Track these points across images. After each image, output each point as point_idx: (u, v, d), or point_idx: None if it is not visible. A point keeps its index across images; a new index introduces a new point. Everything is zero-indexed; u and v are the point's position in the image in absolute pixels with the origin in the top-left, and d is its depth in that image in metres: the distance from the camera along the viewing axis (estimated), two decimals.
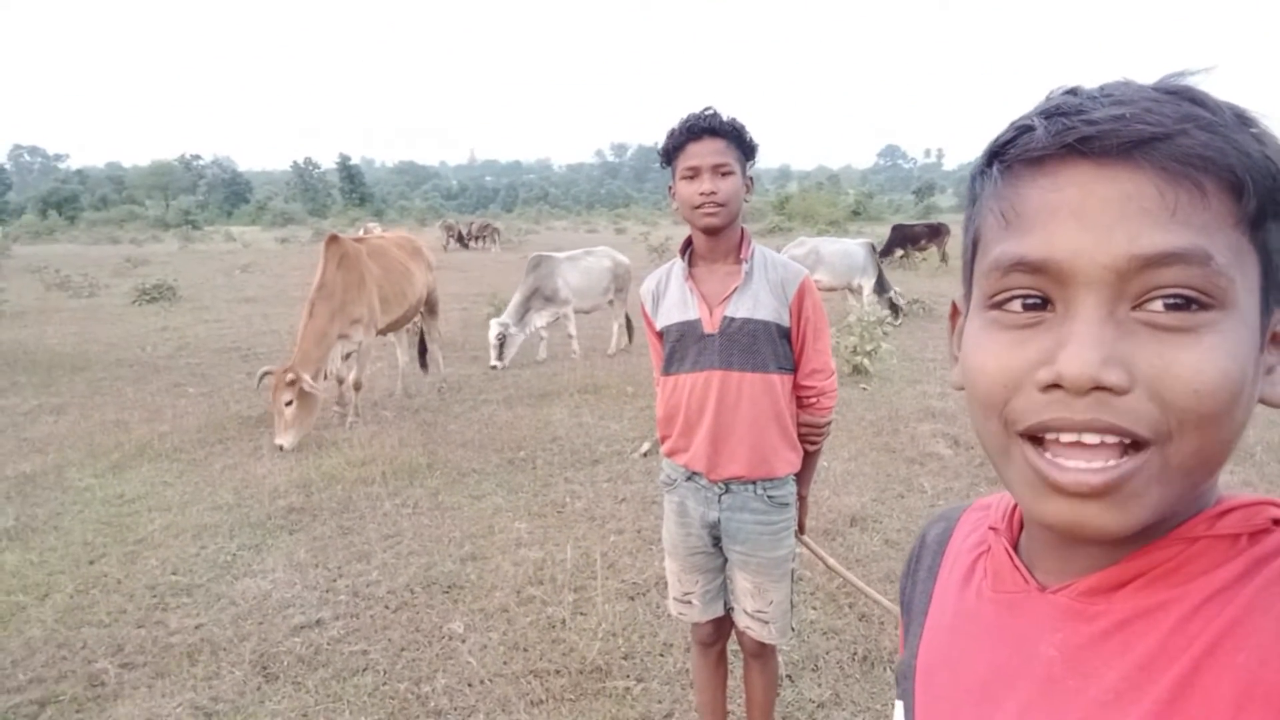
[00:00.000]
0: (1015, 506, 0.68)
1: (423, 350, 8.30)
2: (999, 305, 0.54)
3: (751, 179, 2.14)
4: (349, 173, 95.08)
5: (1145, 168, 0.48)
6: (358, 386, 6.87)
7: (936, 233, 19.10)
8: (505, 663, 3.16)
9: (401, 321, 7.51)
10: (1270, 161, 0.49)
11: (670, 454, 2.26)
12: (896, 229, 19.38)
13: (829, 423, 2.24)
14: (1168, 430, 0.48)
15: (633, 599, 3.64)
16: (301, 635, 3.42)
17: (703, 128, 2.04)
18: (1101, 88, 0.52)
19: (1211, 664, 0.47)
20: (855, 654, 3.16)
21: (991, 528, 0.69)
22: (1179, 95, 0.50)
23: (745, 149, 2.09)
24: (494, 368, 8.43)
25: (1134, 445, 0.49)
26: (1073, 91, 0.53)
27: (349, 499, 4.98)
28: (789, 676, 3.00)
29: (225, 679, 3.10)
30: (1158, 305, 0.48)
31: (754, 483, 2.15)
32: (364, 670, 3.16)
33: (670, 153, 2.10)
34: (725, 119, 2.05)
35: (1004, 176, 0.55)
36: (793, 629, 2.31)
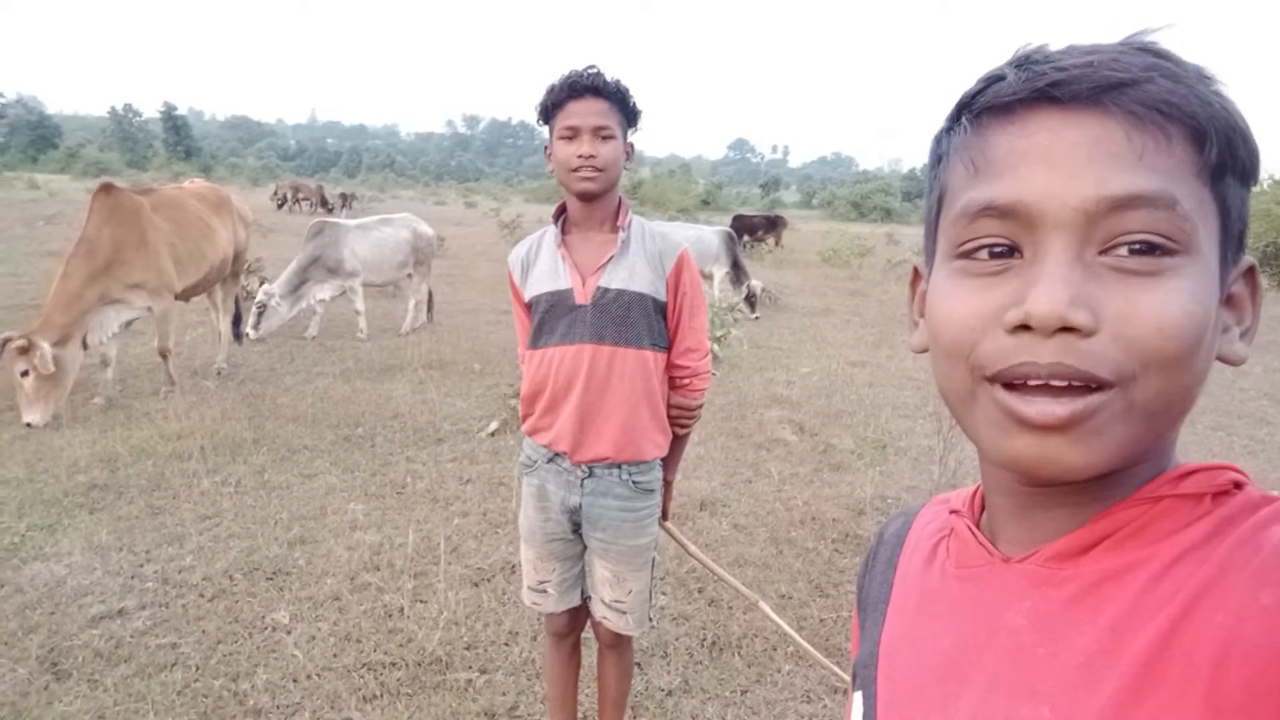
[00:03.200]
0: (976, 491, 0.68)
1: (237, 318, 7.45)
2: (966, 254, 0.54)
3: (632, 145, 2.03)
4: (174, 123, 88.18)
5: (1114, 112, 0.49)
6: (164, 355, 6.14)
7: (773, 224, 20.28)
8: (335, 655, 2.93)
9: (204, 285, 6.63)
10: (1230, 116, 0.50)
11: (532, 433, 2.11)
12: (737, 219, 20.15)
13: (700, 405, 2.16)
14: (1131, 372, 0.49)
15: (477, 585, 3.47)
16: (100, 627, 3.05)
17: (585, 86, 1.91)
18: (1068, 46, 0.53)
19: (1189, 624, 0.47)
20: (705, 640, 3.13)
21: (953, 511, 0.69)
22: (1145, 49, 0.51)
23: (628, 113, 1.97)
24: (245, 336, 7.54)
25: (1097, 387, 0.49)
26: (1040, 48, 0.54)
27: (161, 475, 4.53)
28: (638, 665, 2.93)
29: (5, 678, 2.71)
30: (1123, 251, 0.49)
31: (619, 466, 2.04)
32: (173, 665, 2.84)
33: (549, 110, 1.95)
34: (610, 79, 1.92)
35: (973, 126, 0.55)
36: (650, 619, 2.23)
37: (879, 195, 54.13)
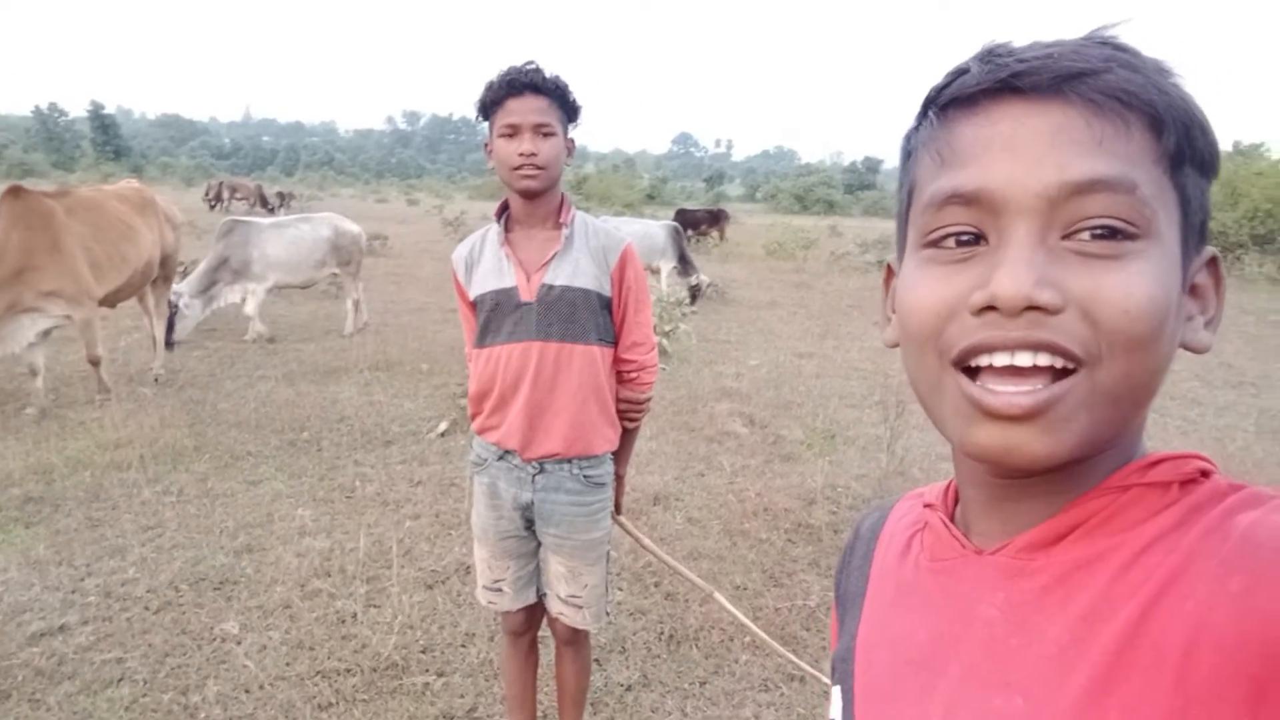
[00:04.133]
0: (949, 486, 0.69)
1: (170, 324, 7.13)
2: (934, 243, 0.56)
3: (573, 141, 2.02)
4: (102, 122, 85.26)
5: (1074, 101, 0.51)
6: (94, 362, 5.82)
7: (716, 218, 20.51)
8: (288, 664, 2.88)
9: (130, 289, 6.30)
10: (1188, 106, 0.52)
11: (481, 432, 2.11)
12: (680, 213, 20.26)
13: (648, 399, 2.17)
14: (1098, 352, 0.50)
15: (431, 588, 3.44)
16: (41, 644, 2.96)
17: (524, 83, 1.90)
18: (1032, 41, 0.55)
19: (1158, 612, 0.47)
20: (662, 633, 3.15)
21: (927, 504, 0.70)
22: (1105, 43, 0.53)
23: (568, 109, 1.97)
24: (165, 345, 7.07)
25: (1062, 373, 0.50)
26: (1004, 43, 0.55)
27: (99, 486, 4.40)
28: (596, 661, 2.94)
29: None
30: (1085, 235, 0.50)
31: (570, 461, 2.04)
32: (119, 681, 2.77)
33: (488, 107, 1.94)
34: (549, 76, 1.92)
35: (939, 120, 0.56)
36: (607, 613, 2.24)
37: (821, 188, 54.87)
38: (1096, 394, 0.50)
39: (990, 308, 0.51)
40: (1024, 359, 0.51)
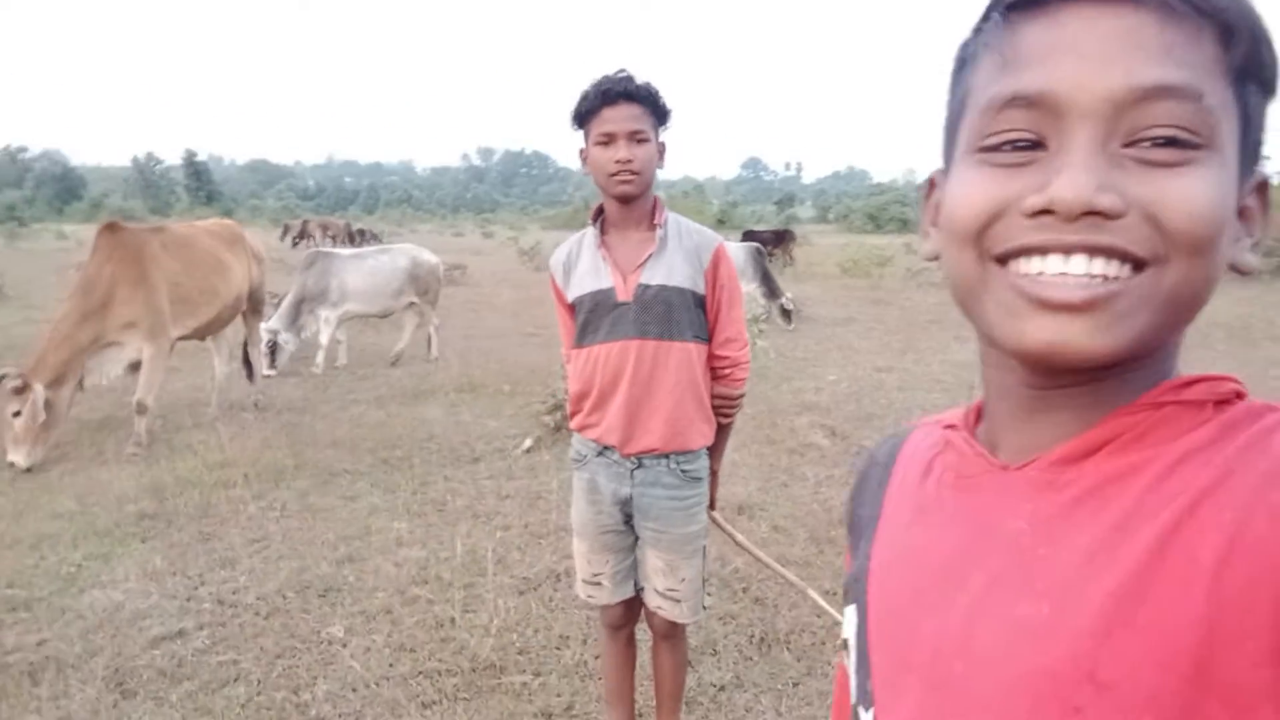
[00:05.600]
0: (971, 408, 0.68)
1: (248, 356, 7.16)
2: (990, 149, 0.54)
3: (664, 145, 2.10)
4: (195, 169, 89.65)
5: (1146, 5, 0.49)
6: (141, 409, 5.66)
7: (782, 238, 20.54)
8: (392, 665, 2.99)
9: (217, 324, 6.46)
10: (1257, 19, 0.51)
11: (581, 429, 2.18)
12: (747, 234, 20.27)
13: (742, 395, 2.21)
14: (1165, 253, 0.49)
15: (524, 594, 3.52)
16: (161, 647, 3.13)
17: (618, 92, 1.98)
18: None
19: (1194, 521, 0.47)
20: (753, 637, 3.16)
21: (948, 426, 0.68)
22: None
23: (660, 114, 2.04)
24: (266, 376, 7.36)
25: (1116, 278, 0.49)
26: None
27: (208, 503, 4.62)
28: (689, 661, 2.96)
29: (75, 697, 2.79)
30: (1147, 144, 0.49)
31: (668, 456, 2.10)
32: (235, 680, 2.91)
33: (583, 116, 2.03)
34: (640, 83, 2.00)
35: (1004, 21, 0.55)
36: (704, 607, 2.27)
37: (895, 206, 54.01)
38: (1159, 294, 0.50)
39: (1046, 211, 0.50)
40: (1079, 265, 0.50)
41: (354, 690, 2.84)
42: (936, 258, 0.62)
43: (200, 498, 4.71)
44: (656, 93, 2.02)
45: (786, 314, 10.93)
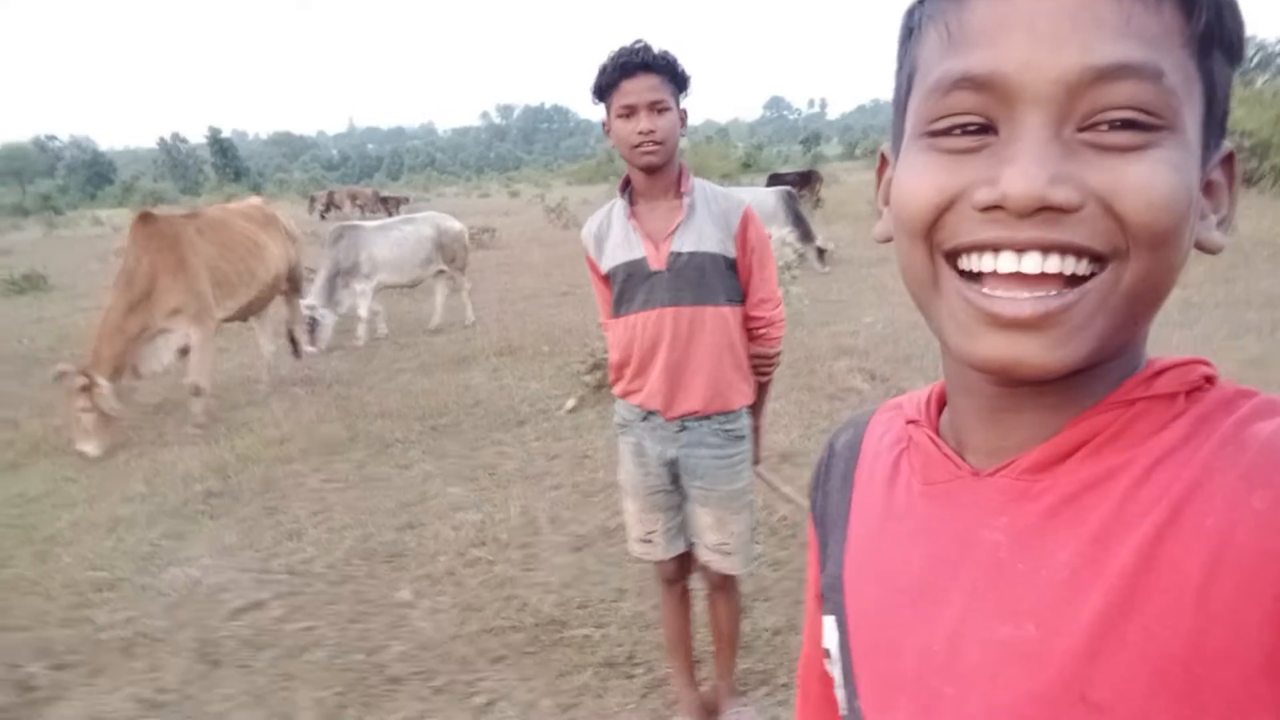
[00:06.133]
0: (930, 396, 0.65)
1: (293, 334, 7.41)
2: (938, 132, 0.50)
3: (685, 111, 2.13)
4: (221, 146, 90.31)
5: None
6: (196, 391, 5.87)
7: (808, 179, 20.01)
8: (460, 624, 3.14)
9: (257, 304, 6.63)
10: None
11: (624, 395, 2.26)
12: (772, 178, 19.96)
13: (779, 353, 2.28)
14: (1124, 246, 0.46)
15: (579, 550, 3.65)
16: (242, 618, 3.31)
17: (636, 64, 2.01)
18: None
19: (1176, 531, 0.45)
20: (803, 581, 3.25)
21: (909, 421, 0.65)
22: None
23: (679, 82, 2.08)
24: (310, 352, 7.52)
25: (1072, 280, 0.47)
26: None
27: (270, 479, 4.82)
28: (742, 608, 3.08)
29: (168, 669, 2.98)
30: (1104, 127, 0.46)
31: (710, 417, 2.17)
32: (314, 646, 3.08)
33: (603, 90, 2.07)
34: (658, 52, 2.03)
35: None
36: (754, 557, 2.37)
37: None
38: (1116, 295, 0.47)
39: (998, 206, 0.47)
40: (1032, 263, 0.47)
41: (426, 650, 3.00)
42: (889, 239, 0.58)
43: (262, 473, 4.91)
44: (674, 61, 2.05)
45: (822, 254, 10.90)
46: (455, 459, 4.94)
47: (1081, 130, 0.46)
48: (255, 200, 7.75)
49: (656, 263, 2.12)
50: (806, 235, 11.08)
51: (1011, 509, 0.53)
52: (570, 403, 5.76)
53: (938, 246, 0.51)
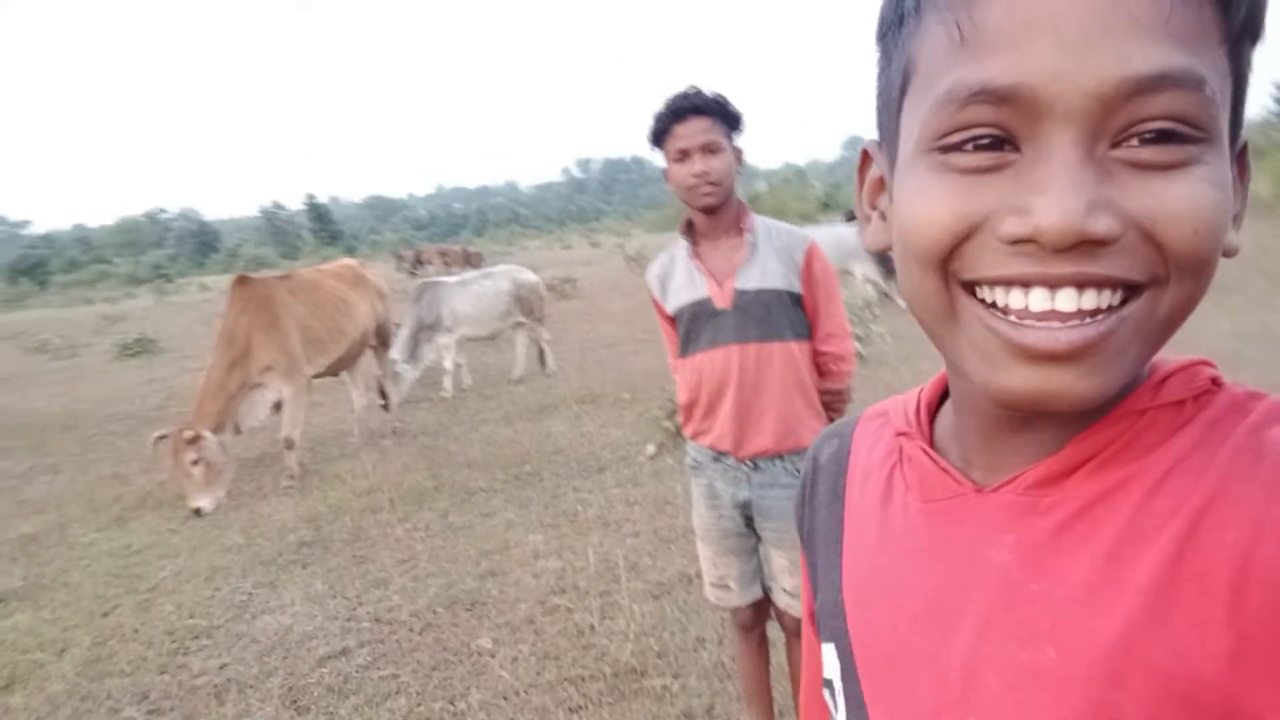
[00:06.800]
0: (918, 404, 0.62)
1: (383, 387, 7.55)
2: (951, 148, 0.45)
3: (740, 150, 2.14)
4: (317, 212, 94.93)
5: None
6: (289, 445, 6.08)
7: None
8: (539, 673, 3.13)
9: (347, 359, 6.90)
10: None
11: (694, 436, 2.24)
12: (850, 215, 19.76)
13: (849, 388, 2.23)
14: (1164, 274, 0.43)
15: (658, 598, 3.61)
16: (328, 665, 3.37)
17: (686, 108, 2.05)
18: None
19: (1197, 544, 0.43)
20: None
21: (900, 434, 0.61)
22: None
23: (731, 121, 2.09)
24: (382, 407, 7.51)
25: (1109, 309, 0.43)
26: None
27: (359, 528, 4.94)
28: None
29: (256, 715, 3.05)
30: (1135, 142, 0.41)
31: (782, 456, 2.14)
32: (396, 694, 3.11)
33: (658, 136, 2.11)
34: (708, 95, 2.06)
35: None
36: None
37: None
38: (1153, 321, 0.44)
39: (1029, 239, 0.42)
40: (1068, 300, 0.42)
41: (505, 699, 2.99)
42: (885, 248, 0.54)
43: (351, 523, 5.03)
44: (725, 101, 2.07)
45: None
46: (536, 507, 4.98)
47: (1114, 146, 0.42)
48: (348, 261, 8.08)
49: (722, 301, 2.11)
50: (890, 271, 10.91)
51: (1019, 526, 0.50)
52: (650, 449, 5.74)
53: (954, 275, 0.46)
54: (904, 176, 0.49)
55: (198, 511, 5.42)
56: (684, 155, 2.06)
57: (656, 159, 2.16)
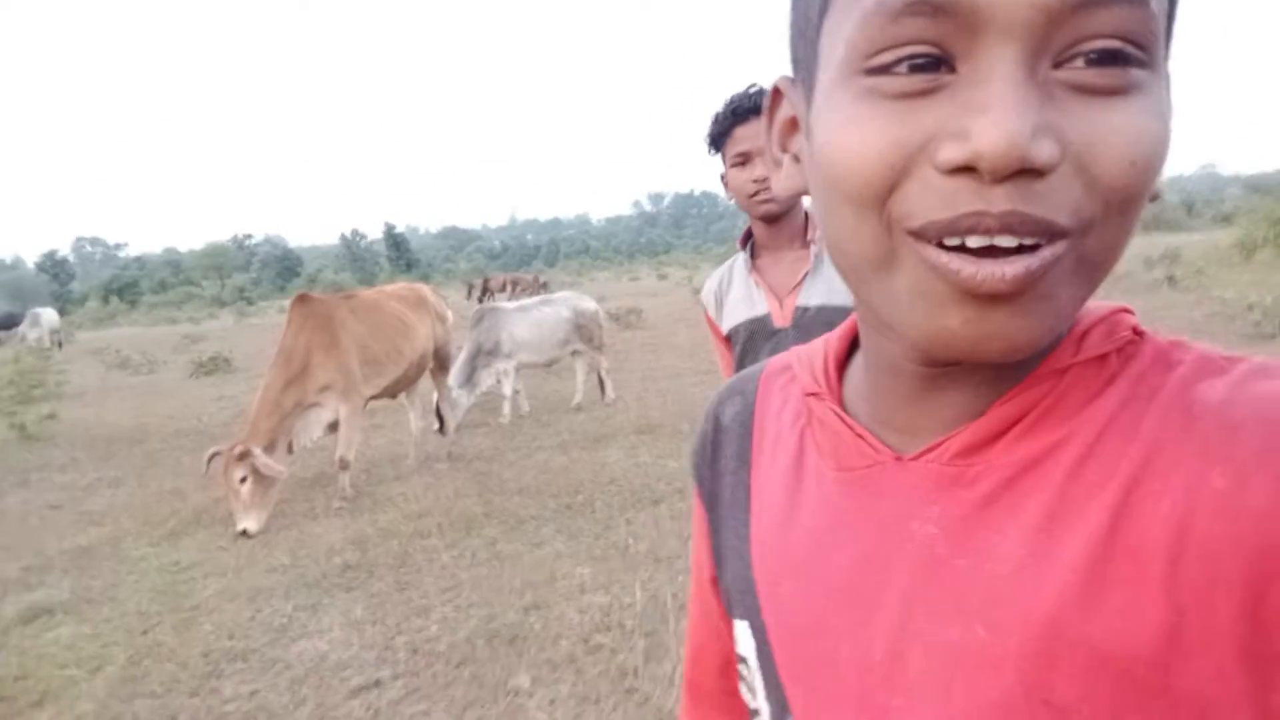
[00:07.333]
0: (825, 360, 0.58)
1: (440, 411, 7.42)
2: (880, 69, 0.40)
3: None
4: (395, 241, 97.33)
5: None
6: (343, 465, 6.01)
7: None
8: (576, 717, 2.93)
9: (405, 381, 6.80)
10: None
11: None
12: None
13: None
14: (1091, 217, 0.39)
15: None
16: (360, 698, 3.22)
17: (749, 108, 1.88)
18: None
19: (1131, 515, 0.40)
20: None
21: (810, 394, 0.58)
22: None
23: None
24: (438, 431, 7.36)
25: (1048, 241, 0.39)
26: None
27: (405, 553, 4.81)
28: None
29: None
30: (1080, 62, 0.38)
31: None
32: None
33: (717, 139, 1.93)
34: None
35: None
36: None
37: None
38: (1082, 264, 0.40)
39: (967, 167, 0.38)
40: (1006, 240, 0.38)
41: None
42: (796, 193, 0.52)
43: (398, 547, 4.91)
44: None
45: None
46: (587, 538, 4.79)
47: (1056, 66, 0.38)
48: (411, 283, 8.09)
49: (781, 319, 1.91)
50: None
51: (943, 498, 0.47)
52: None
53: (897, 223, 0.41)
54: (826, 107, 0.44)
55: (244, 533, 5.35)
56: (745, 159, 1.89)
57: (726, 197, 1.99)
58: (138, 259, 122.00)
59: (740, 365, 2.00)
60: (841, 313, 1.86)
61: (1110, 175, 0.38)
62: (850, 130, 0.41)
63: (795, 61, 0.50)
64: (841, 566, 0.51)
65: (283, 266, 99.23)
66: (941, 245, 0.40)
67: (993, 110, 0.37)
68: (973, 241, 0.39)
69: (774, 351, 1.90)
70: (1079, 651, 0.41)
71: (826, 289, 1.89)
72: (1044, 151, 0.37)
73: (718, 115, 1.92)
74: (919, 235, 0.40)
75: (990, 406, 0.47)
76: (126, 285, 79.14)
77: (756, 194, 1.88)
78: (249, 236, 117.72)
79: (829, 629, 0.51)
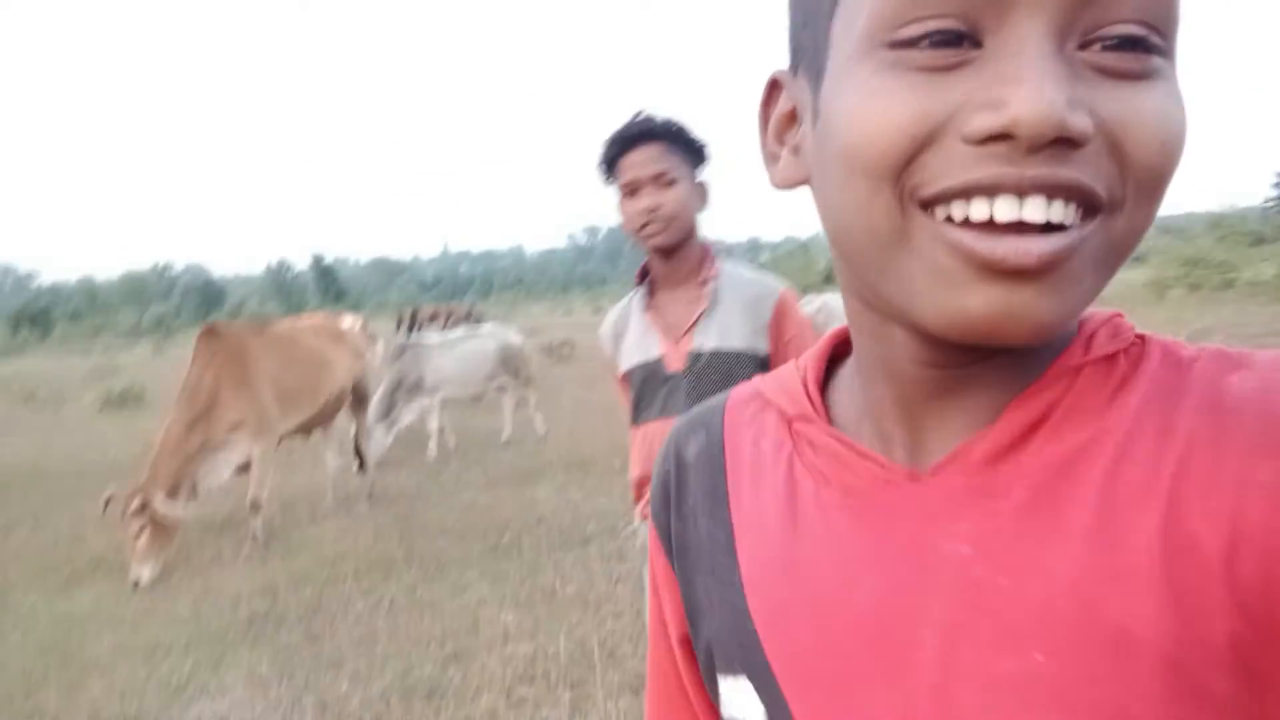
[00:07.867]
0: (803, 384, 0.54)
1: (359, 448, 7.15)
2: (904, 43, 0.39)
3: (704, 185, 1.85)
4: (323, 272, 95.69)
5: None
6: (255, 507, 5.63)
7: None
8: None
9: (320, 419, 6.48)
10: None
11: (647, 517, 1.91)
12: None
13: None
14: (1121, 197, 0.39)
15: (637, 692, 3.22)
16: None
17: (635, 134, 1.77)
18: None
19: (1183, 518, 0.38)
20: None
21: (795, 419, 0.53)
22: None
23: (691, 152, 1.81)
24: (358, 470, 7.13)
25: (1078, 222, 0.38)
26: None
27: (318, 601, 4.55)
28: None
29: None
30: (1098, 47, 0.38)
31: None
32: None
33: (608, 168, 1.82)
34: (661, 120, 1.78)
35: None
36: None
37: None
38: (1108, 247, 0.40)
39: (1001, 136, 0.36)
40: (1036, 209, 0.37)
41: None
42: (795, 184, 0.49)
43: (311, 595, 4.65)
44: (683, 128, 1.79)
45: None
46: (512, 582, 4.59)
47: (1080, 48, 0.38)
48: (337, 316, 7.81)
49: (674, 364, 1.81)
50: None
51: (973, 512, 0.43)
52: (638, 520, 5.38)
53: (911, 194, 0.40)
54: (844, 83, 0.42)
55: (136, 584, 4.96)
56: (633, 189, 1.78)
57: None
58: (51, 288, 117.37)
59: (637, 408, 1.89)
60: (735, 358, 1.76)
61: (1142, 154, 0.38)
62: (873, 101, 0.40)
63: (798, 50, 0.49)
64: (865, 603, 0.46)
65: (205, 297, 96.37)
66: (959, 223, 0.38)
67: (1028, 81, 0.36)
68: (1000, 208, 0.37)
69: (669, 397, 1.80)
70: (1152, 668, 0.37)
71: (721, 332, 1.78)
72: (1080, 121, 0.36)
73: (606, 143, 1.82)
74: (933, 203, 0.39)
75: (1005, 409, 0.44)
76: (38, 314, 75.62)
77: (646, 225, 1.77)
78: (169, 266, 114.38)
79: (859, 676, 0.46)
